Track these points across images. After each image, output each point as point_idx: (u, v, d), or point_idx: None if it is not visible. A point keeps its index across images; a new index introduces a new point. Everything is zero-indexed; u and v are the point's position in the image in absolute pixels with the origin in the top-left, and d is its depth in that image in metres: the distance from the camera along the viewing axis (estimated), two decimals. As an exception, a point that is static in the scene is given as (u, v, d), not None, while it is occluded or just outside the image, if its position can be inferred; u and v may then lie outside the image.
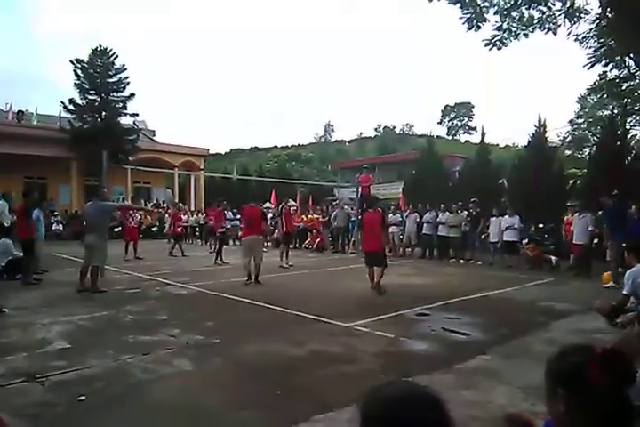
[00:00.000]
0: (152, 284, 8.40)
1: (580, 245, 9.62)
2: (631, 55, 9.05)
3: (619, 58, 9.40)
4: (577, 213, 9.90)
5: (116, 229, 18.61)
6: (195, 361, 4.14)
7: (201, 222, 18.79)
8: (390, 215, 13.69)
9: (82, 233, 8.14)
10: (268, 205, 17.18)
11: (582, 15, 8.60)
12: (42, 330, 5.12)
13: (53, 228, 18.93)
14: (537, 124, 15.44)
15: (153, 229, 21.33)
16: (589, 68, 9.45)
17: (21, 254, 8.25)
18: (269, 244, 14.78)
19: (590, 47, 9.22)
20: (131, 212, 13.18)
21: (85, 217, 8.03)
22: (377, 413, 0.92)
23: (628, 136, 15.53)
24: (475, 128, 72.05)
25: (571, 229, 10.04)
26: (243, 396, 3.41)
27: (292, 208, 19.24)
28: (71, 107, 21.58)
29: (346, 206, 16.27)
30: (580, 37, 9.06)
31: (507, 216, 11.48)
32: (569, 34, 8.86)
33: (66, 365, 3.95)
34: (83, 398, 3.28)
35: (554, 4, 8.56)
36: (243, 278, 9.04)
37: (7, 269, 8.22)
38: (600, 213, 9.74)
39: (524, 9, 8.67)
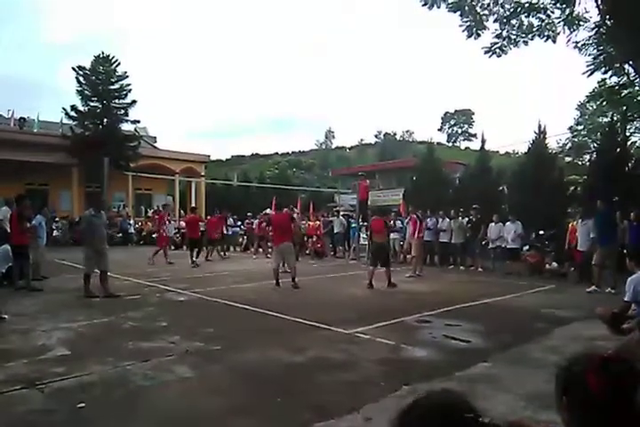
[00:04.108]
0: (152, 290, 8.38)
1: (583, 251, 9.61)
2: (630, 62, 9.07)
3: (618, 65, 9.42)
4: (580, 220, 9.89)
5: (119, 235, 18.76)
6: (195, 368, 4.12)
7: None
8: (390, 222, 13.65)
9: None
10: (268, 211, 17.22)
11: (581, 23, 8.65)
12: (42, 337, 5.11)
13: (54, 234, 18.93)
14: (537, 131, 15.47)
15: (154, 235, 21.31)
16: (589, 75, 9.47)
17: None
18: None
19: (589, 54, 9.25)
20: (165, 221, 13.77)
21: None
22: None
23: (628, 143, 15.54)
24: (475, 135, 72.39)
25: (575, 236, 10.00)
26: (243, 403, 3.39)
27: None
28: (73, 113, 21.64)
29: (343, 213, 16.33)
30: (579, 45, 9.09)
31: (508, 223, 11.47)
32: (568, 41, 8.91)
33: (65, 371, 3.93)
34: (82, 405, 3.27)
35: (553, 12, 8.63)
36: (243, 285, 9.07)
37: (7, 276, 8.20)
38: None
39: (523, 17, 8.74)
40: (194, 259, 12.59)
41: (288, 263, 8.81)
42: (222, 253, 14.99)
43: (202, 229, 14.45)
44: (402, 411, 0.97)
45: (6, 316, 5.95)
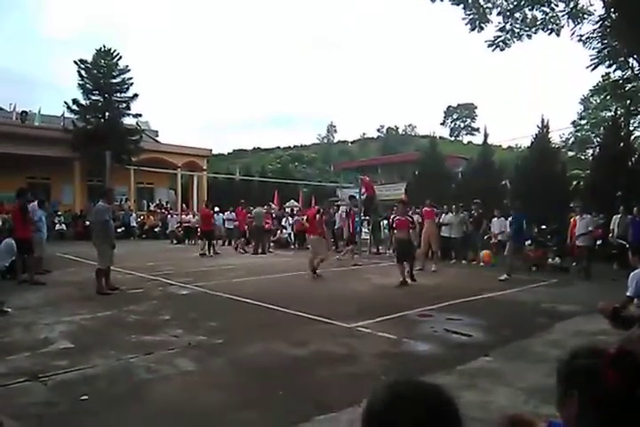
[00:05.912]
0: (155, 284, 8.41)
1: (582, 246, 9.59)
2: (635, 56, 9.00)
3: (622, 59, 9.36)
4: (580, 215, 9.86)
5: (118, 230, 18.79)
6: (197, 361, 4.14)
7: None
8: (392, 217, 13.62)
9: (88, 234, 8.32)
10: (272, 205, 17.24)
11: (586, 16, 8.60)
12: (44, 330, 5.13)
13: (56, 228, 18.98)
14: (540, 126, 15.41)
15: (156, 229, 21.36)
16: (593, 69, 9.43)
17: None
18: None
19: (594, 48, 9.19)
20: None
21: None
22: (382, 409, 0.89)
23: (632, 137, 15.50)
24: (477, 129, 72.00)
25: (575, 231, 9.98)
26: (244, 396, 3.41)
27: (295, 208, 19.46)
28: (75, 107, 21.61)
29: (342, 207, 16.35)
30: (583, 38, 9.04)
31: (511, 217, 11.40)
32: (572, 35, 8.86)
33: (68, 364, 3.96)
34: (85, 397, 3.29)
35: (557, 5, 8.57)
36: (245, 278, 9.12)
37: (10, 270, 8.24)
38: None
39: (527, 10, 8.68)
40: (206, 250, 13.71)
41: (311, 255, 9.39)
42: (241, 248, 15.24)
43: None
44: (373, 402, 0.91)
45: (9, 309, 5.99)
